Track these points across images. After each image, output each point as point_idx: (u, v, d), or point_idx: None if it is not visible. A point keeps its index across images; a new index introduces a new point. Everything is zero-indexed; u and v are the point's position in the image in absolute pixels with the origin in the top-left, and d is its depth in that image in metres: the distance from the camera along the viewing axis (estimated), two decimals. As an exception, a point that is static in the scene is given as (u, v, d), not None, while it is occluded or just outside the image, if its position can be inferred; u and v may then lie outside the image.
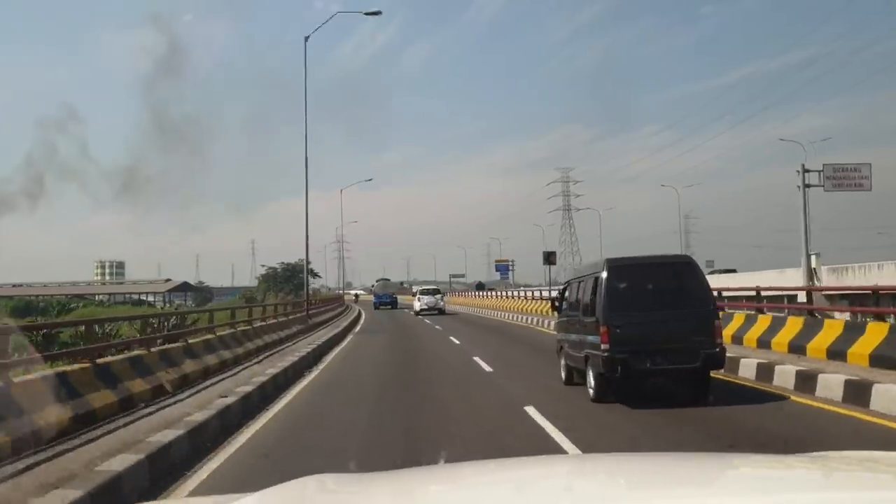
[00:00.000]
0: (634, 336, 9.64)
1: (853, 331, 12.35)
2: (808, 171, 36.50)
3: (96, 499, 5.67)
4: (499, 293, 60.03)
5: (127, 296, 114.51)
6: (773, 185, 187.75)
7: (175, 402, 10.34)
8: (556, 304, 12.99)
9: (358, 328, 33.04)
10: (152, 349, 11.96)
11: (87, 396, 8.83)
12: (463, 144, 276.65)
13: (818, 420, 8.91)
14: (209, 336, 15.38)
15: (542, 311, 33.86)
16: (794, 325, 14.07)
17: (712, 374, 10.24)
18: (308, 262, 31.92)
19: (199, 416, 8.88)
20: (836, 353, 12.14)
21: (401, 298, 68.00)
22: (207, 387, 12.01)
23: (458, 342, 22.94)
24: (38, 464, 6.61)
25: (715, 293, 11.73)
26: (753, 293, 17.89)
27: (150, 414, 9.40)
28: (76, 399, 8.57)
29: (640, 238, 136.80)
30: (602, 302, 9.79)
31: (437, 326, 32.23)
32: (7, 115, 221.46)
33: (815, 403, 9.75)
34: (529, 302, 41.30)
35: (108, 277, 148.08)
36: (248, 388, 11.37)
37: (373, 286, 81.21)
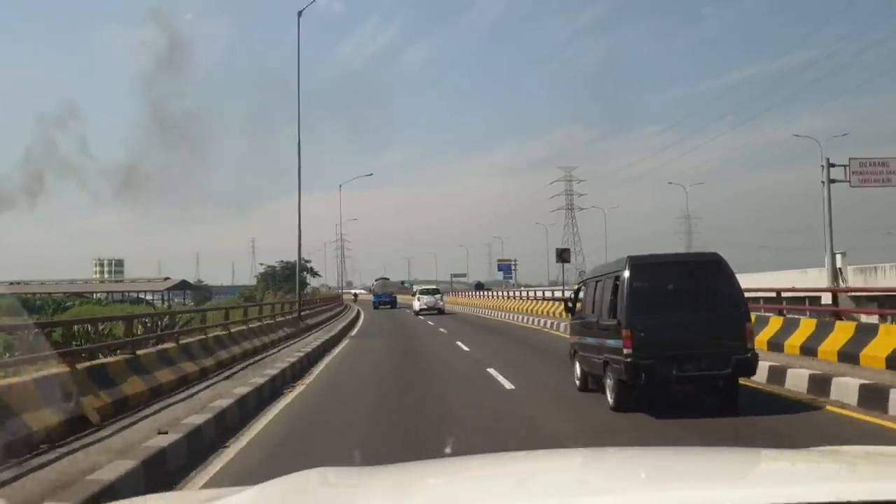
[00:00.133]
0: (660, 340, 8.95)
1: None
2: (833, 165, 33.87)
3: None
4: (500, 293, 58.48)
5: (125, 294, 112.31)
6: (776, 186, 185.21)
7: (92, 444, 7.40)
8: (570, 305, 12.25)
9: (355, 331, 29.96)
10: (79, 365, 9.04)
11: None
12: (463, 144, 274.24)
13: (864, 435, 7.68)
14: (169, 346, 12.44)
15: (554, 313, 30.89)
16: (844, 330, 12.55)
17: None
18: (301, 262, 28.63)
19: (106, 474, 5.97)
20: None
21: (401, 298, 66.88)
22: (150, 414, 9.07)
23: (467, 348, 19.94)
24: None
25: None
26: (771, 294, 16.77)
27: (52, 462, 6.50)
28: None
29: (642, 238, 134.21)
30: (624, 303, 9.10)
31: (440, 329, 29.19)
32: (6, 111, 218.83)
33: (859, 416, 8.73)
34: (539, 303, 38.23)
35: (106, 276, 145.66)
36: (201, 420, 8.44)
37: (372, 285, 78.79)
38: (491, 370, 14.31)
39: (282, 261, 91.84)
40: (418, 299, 47.42)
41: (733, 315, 9.19)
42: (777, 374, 11.12)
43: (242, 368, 14.05)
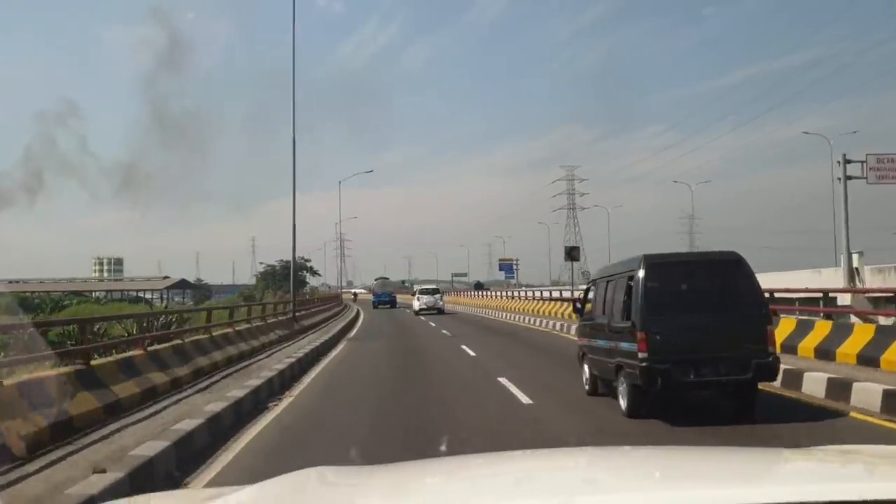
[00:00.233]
0: (677, 344, 8.51)
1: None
2: (849, 161, 32.34)
3: None
4: (502, 293, 57.29)
5: (125, 293, 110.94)
6: (778, 186, 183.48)
7: (2, 488, 5.67)
8: (578, 306, 11.75)
9: (353, 332, 28.13)
10: (6, 381, 7.30)
11: None
12: (464, 144, 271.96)
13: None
14: (136, 353, 10.71)
15: (563, 314, 29.13)
16: (863, 332, 11.99)
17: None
18: (296, 260, 26.76)
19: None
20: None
21: (401, 298, 65.75)
22: (97, 441, 7.35)
23: (473, 353, 18.16)
24: None
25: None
26: (784, 295, 16.42)
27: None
28: None
29: (643, 239, 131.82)
30: (639, 304, 8.65)
31: (443, 331, 27.40)
32: (6, 109, 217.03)
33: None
34: (545, 303, 36.43)
35: (106, 274, 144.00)
36: (155, 450, 6.71)
37: (372, 285, 77.41)
38: (503, 380, 12.60)
39: (282, 260, 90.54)
40: (418, 299, 46.91)
41: (754, 317, 8.71)
42: (793, 378, 10.51)
43: (224, 377, 12.31)
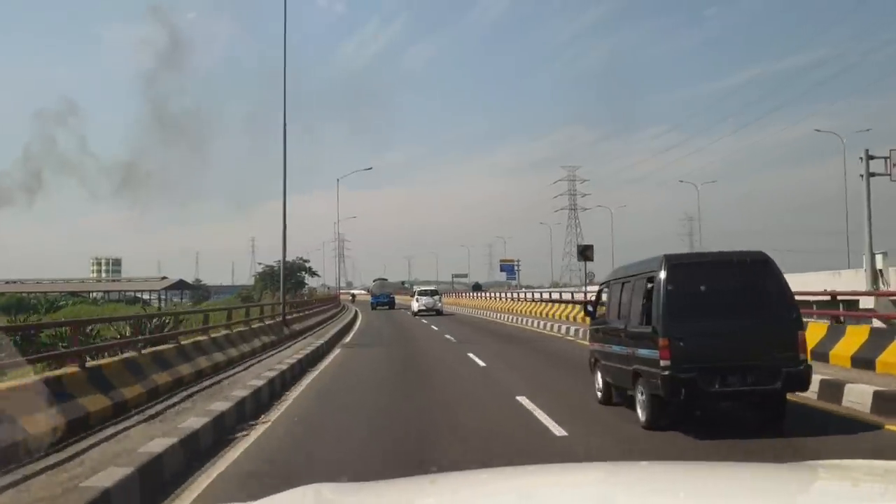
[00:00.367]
0: (701, 351, 7.83)
1: None
2: (872, 157, 30.27)
3: None
4: (503, 294, 55.68)
5: (122, 293, 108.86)
6: (782, 188, 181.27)
7: None
8: (590, 309, 11.13)
9: (349, 338, 25.81)
10: None
11: None
12: (465, 144, 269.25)
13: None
14: (67, 371, 8.42)
15: (577, 318, 26.82)
16: None
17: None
18: (286, 261, 24.27)
19: None
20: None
21: (401, 299, 64.45)
22: (25, 479, 5.10)
23: (481, 363, 15.83)
24: None
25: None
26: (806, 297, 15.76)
27: None
28: None
29: (646, 240, 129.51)
30: (661, 308, 7.96)
31: (446, 335, 25.04)
32: (5, 108, 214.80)
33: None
34: (554, 306, 34.00)
35: (104, 275, 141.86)
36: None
37: (370, 286, 75.60)
38: (524, 401, 10.34)
39: (280, 260, 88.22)
40: (416, 300, 46.30)
41: (784, 321, 8.10)
42: (831, 390, 9.63)
43: (186, 398, 10.03)
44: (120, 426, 7.96)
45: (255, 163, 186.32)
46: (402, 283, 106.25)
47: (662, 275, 8.11)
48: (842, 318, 14.18)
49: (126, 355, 10.25)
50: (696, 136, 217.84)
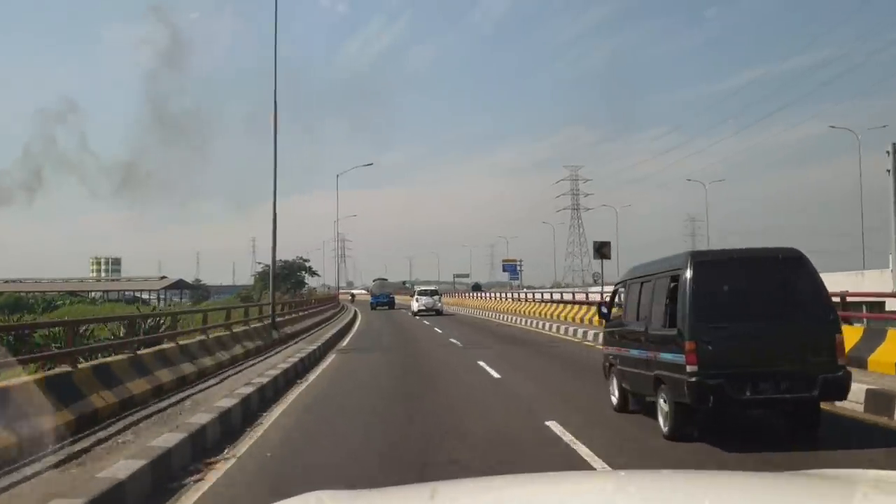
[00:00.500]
0: (731, 355, 7.26)
1: None
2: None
3: None
4: (503, 295, 53.75)
5: (122, 293, 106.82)
6: (782, 189, 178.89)
7: None
8: (604, 310, 10.38)
9: (345, 342, 23.46)
10: None
11: None
12: (466, 145, 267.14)
13: None
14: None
15: (595, 322, 24.55)
16: None
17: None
18: (275, 259, 21.86)
19: None
20: None
21: (401, 299, 63.00)
22: None
23: (495, 374, 13.50)
24: None
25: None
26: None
27: None
28: None
29: (649, 242, 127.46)
30: (687, 309, 7.30)
31: (452, 339, 22.69)
32: (5, 107, 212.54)
33: None
34: (565, 307, 31.64)
35: (103, 274, 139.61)
36: None
37: (370, 286, 73.75)
38: (555, 427, 8.16)
39: (280, 260, 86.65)
40: (416, 300, 45.57)
41: (820, 323, 7.46)
42: (881, 401, 8.70)
43: (129, 426, 7.79)
44: (24, 474, 5.73)
45: (255, 162, 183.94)
46: (403, 283, 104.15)
47: (688, 273, 7.48)
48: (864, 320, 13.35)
49: (59, 371, 8.02)
50: (697, 138, 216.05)
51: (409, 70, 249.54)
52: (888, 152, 28.11)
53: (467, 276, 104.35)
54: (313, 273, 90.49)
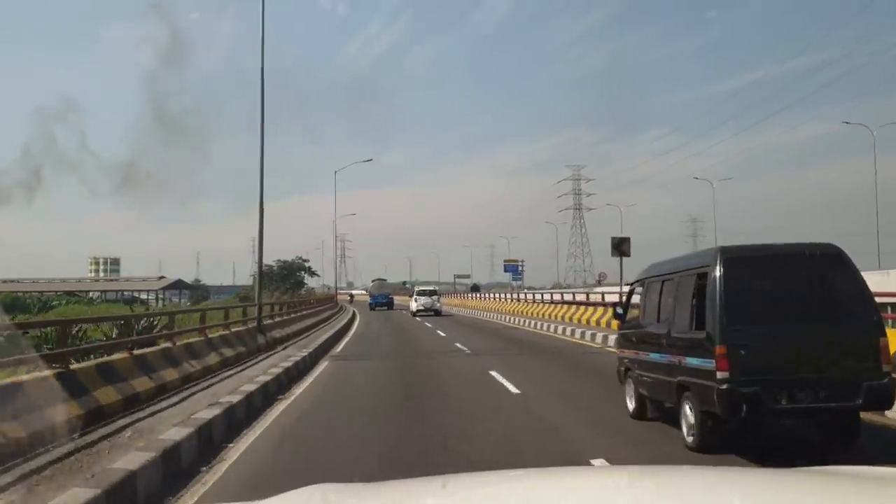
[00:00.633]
0: (765, 360, 6.66)
1: None
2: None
3: None
4: (504, 295, 52.18)
5: (120, 293, 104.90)
6: (784, 189, 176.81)
7: None
8: (619, 311, 9.79)
9: (340, 347, 21.24)
10: None
11: None
12: (466, 145, 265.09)
13: None
14: None
15: (616, 326, 22.41)
16: None
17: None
18: (262, 258, 19.80)
19: None
20: None
21: (401, 299, 61.82)
22: None
23: (514, 389, 11.29)
24: None
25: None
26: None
27: None
28: None
29: (650, 242, 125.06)
30: (718, 311, 6.74)
31: (458, 344, 20.43)
32: (5, 107, 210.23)
33: None
34: (579, 309, 29.31)
35: (102, 274, 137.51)
36: None
37: (369, 286, 72.05)
38: (601, 465, 6.04)
39: (279, 260, 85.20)
40: (415, 300, 44.83)
41: (862, 325, 6.77)
42: None
43: (47, 465, 5.66)
44: None
45: (255, 162, 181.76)
46: (404, 283, 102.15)
47: (718, 271, 6.94)
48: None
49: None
50: (697, 139, 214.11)
51: (409, 70, 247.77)
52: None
53: (468, 276, 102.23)
54: (313, 273, 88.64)
